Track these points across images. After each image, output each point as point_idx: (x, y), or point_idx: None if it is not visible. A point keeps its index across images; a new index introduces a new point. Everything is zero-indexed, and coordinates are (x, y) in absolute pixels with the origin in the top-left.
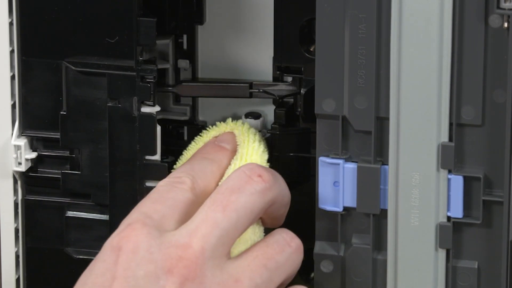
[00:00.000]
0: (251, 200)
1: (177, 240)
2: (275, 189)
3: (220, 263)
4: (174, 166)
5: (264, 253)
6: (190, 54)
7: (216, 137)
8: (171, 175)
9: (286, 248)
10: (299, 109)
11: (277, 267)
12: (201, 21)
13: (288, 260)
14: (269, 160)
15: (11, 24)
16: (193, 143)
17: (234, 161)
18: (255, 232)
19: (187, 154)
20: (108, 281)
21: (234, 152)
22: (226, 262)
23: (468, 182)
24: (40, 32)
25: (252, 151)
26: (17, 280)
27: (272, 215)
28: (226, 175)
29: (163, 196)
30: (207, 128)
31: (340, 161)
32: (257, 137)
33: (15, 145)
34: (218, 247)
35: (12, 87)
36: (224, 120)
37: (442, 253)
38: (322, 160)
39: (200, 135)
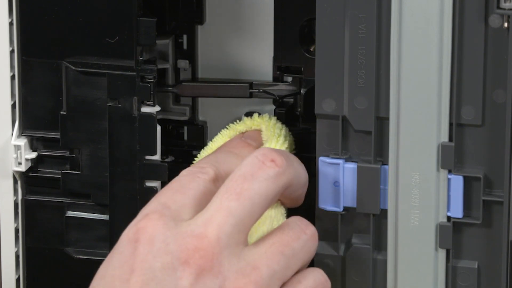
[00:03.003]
0: (265, 186)
1: (192, 230)
2: (290, 172)
3: (236, 251)
4: (198, 155)
5: (281, 240)
6: (190, 54)
7: (242, 133)
8: (195, 164)
9: (302, 235)
10: (299, 109)
11: (294, 254)
12: (201, 21)
13: (304, 247)
14: None
15: (11, 24)
16: (219, 135)
17: None
18: (272, 218)
19: (212, 145)
20: (126, 274)
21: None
22: (243, 250)
23: (468, 182)
24: (40, 32)
25: (276, 145)
26: (17, 280)
27: (290, 197)
28: None
29: (184, 186)
30: (234, 123)
31: (340, 161)
32: (283, 131)
33: (15, 145)
34: (233, 235)
35: (12, 87)
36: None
37: (442, 253)
38: (322, 160)
39: (227, 128)
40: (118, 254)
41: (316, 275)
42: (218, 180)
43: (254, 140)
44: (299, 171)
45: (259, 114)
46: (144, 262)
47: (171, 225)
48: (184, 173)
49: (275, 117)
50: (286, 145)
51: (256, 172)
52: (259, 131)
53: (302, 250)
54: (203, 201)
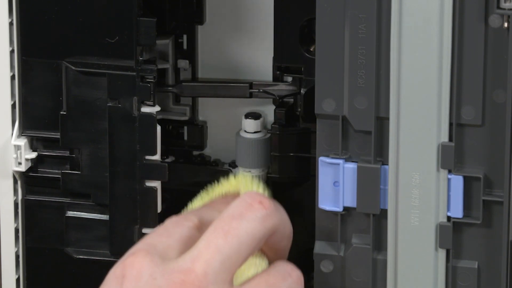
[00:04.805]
0: (253, 226)
1: (180, 265)
2: (276, 217)
3: None
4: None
5: (266, 281)
6: (190, 54)
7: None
8: (179, 215)
9: (287, 277)
10: (299, 109)
11: None
12: (201, 21)
13: None
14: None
15: (11, 24)
16: (198, 197)
17: None
18: (257, 265)
19: (192, 206)
20: None
21: None
22: None
23: (468, 182)
24: (40, 32)
25: None
26: (17, 280)
27: (274, 247)
28: None
29: (169, 230)
30: (212, 186)
31: (340, 161)
32: (261, 185)
33: (15, 145)
34: (221, 272)
35: (12, 87)
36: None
37: (442, 253)
38: (322, 160)
39: (206, 192)
40: None
41: None
42: (202, 228)
43: (235, 198)
44: (285, 219)
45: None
46: None
47: (158, 262)
48: (169, 220)
49: (250, 173)
50: (265, 193)
51: (244, 212)
52: (238, 195)
53: None
54: (188, 244)
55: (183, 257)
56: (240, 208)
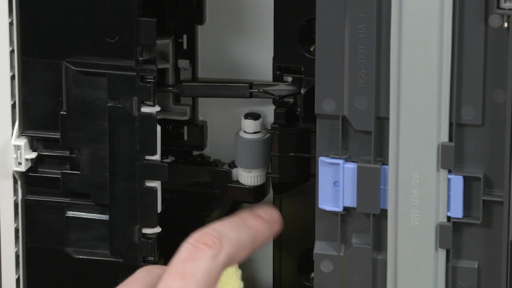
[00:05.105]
0: (205, 264)
1: None
2: (226, 249)
3: None
4: None
5: None
6: (190, 54)
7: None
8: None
9: None
10: (299, 109)
11: None
12: (201, 21)
13: None
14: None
15: (11, 24)
16: None
17: None
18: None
19: None
20: None
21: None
22: None
23: (468, 182)
24: (40, 32)
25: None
26: (17, 280)
27: (238, 260)
28: None
29: (138, 280)
30: None
31: (340, 161)
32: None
33: (15, 145)
34: None
35: (12, 87)
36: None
37: (442, 253)
38: (322, 160)
39: None
40: None
41: None
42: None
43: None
44: (236, 240)
45: None
46: None
47: None
48: (139, 270)
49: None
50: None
51: (193, 254)
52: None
53: None
54: None
55: None
56: (187, 252)
